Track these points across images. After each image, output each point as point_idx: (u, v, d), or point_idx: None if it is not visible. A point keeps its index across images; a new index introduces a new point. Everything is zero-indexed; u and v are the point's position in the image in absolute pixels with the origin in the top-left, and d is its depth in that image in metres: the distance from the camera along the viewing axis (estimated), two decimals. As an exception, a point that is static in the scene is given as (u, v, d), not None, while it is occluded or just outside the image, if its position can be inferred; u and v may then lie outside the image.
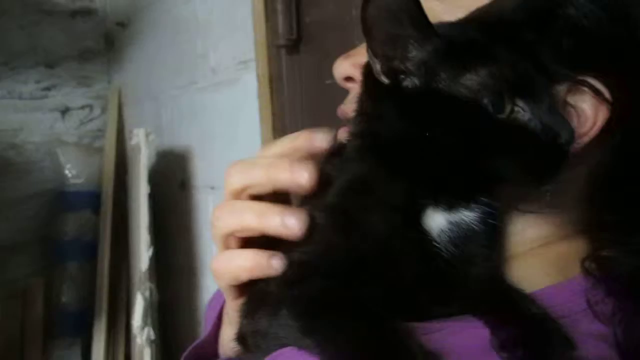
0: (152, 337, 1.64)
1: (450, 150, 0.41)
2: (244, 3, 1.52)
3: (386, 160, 0.44)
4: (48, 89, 2.51)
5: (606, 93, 0.47)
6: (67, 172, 2.34)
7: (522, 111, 0.41)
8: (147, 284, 1.65)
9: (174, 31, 2.01)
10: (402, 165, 0.44)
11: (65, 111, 2.55)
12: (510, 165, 0.41)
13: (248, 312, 0.51)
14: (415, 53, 0.42)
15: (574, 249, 0.53)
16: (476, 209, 0.45)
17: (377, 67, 0.43)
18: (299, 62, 1.31)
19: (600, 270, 0.51)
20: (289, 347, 0.41)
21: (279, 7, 1.34)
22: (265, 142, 1.40)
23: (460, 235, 0.44)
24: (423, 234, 0.43)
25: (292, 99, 1.33)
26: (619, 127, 0.49)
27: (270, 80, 1.33)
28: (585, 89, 0.47)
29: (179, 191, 1.97)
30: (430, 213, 0.44)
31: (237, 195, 0.50)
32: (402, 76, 0.42)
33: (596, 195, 0.52)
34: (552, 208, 0.51)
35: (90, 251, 2.26)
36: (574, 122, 0.47)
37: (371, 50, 0.43)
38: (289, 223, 0.45)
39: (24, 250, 2.40)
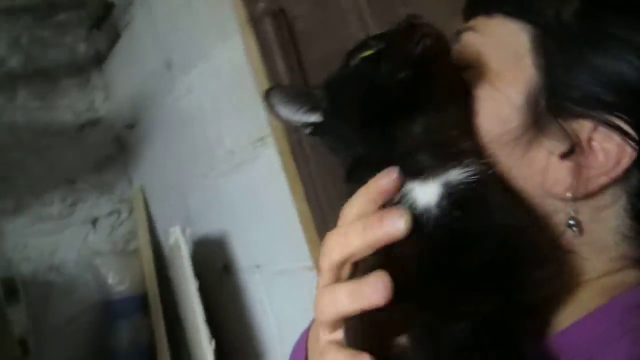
0: None
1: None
2: (246, 81, 1.54)
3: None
4: (74, 204, 2.54)
5: (633, 134, 0.47)
6: (110, 281, 2.35)
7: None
8: (215, 379, 1.62)
9: (181, 123, 2.04)
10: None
11: (94, 221, 2.57)
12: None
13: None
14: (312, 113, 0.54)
15: (620, 279, 0.52)
16: (460, 167, 0.45)
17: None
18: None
19: None
20: None
21: (283, 77, 1.35)
22: (300, 213, 1.39)
23: (461, 196, 0.43)
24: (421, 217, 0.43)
25: (318, 162, 1.32)
26: None
27: (293, 152, 1.32)
28: (612, 129, 0.47)
29: (224, 276, 1.95)
30: (418, 189, 0.44)
31: (339, 268, 0.49)
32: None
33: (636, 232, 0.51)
34: (587, 245, 0.51)
35: (148, 355, 2.24)
36: (599, 160, 0.48)
37: None
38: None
39: (82, 368, 2.39)
